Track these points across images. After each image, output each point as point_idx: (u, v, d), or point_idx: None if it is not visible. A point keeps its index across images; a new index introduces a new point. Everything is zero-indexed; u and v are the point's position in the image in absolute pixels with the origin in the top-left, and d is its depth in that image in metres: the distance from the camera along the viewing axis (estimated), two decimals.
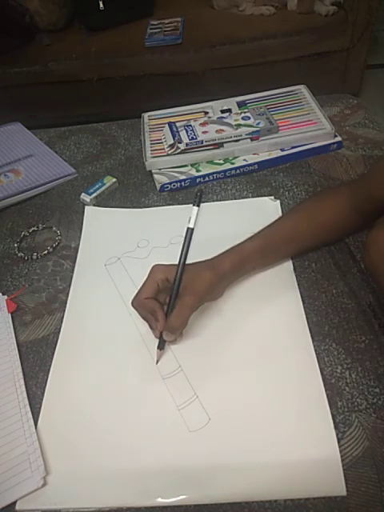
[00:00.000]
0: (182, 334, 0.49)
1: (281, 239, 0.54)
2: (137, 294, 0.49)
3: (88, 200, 0.68)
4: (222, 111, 0.77)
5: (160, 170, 0.71)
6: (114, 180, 0.71)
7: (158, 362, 0.48)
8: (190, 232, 0.47)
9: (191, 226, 0.46)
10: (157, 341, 0.48)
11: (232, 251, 0.51)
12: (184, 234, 0.48)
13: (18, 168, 0.76)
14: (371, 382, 0.45)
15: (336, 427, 0.42)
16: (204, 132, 0.72)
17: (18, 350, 0.50)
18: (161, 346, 0.48)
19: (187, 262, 0.48)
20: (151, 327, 0.49)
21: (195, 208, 0.47)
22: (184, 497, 0.39)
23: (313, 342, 0.48)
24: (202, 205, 0.66)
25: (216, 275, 0.48)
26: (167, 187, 0.70)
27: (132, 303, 0.49)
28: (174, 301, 0.47)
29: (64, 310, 0.54)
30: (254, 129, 0.72)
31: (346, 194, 0.55)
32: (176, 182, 0.69)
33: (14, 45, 1.75)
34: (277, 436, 0.42)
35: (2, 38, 1.70)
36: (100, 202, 0.70)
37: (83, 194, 0.69)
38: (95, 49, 1.73)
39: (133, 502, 0.39)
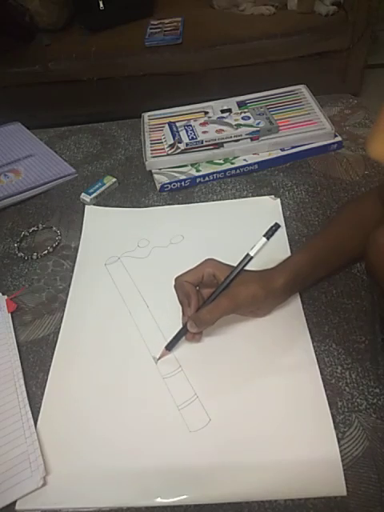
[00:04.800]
0: (201, 334, 0.49)
1: (328, 249, 0.52)
2: (181, 274, 0.48)
3: (88, 200, 0.68)
4: (222, 111, 0.77)
5: (160, 169, 0.71)
6: (114, 180, 0.71)
7: (159, 359, 0.48)
8: (248, 259, 0.45)
9: (252, 254, 0.45)
10: (157, 342, 0.48)
11: (284, 268, 0.49)
12: (242, 258, 0.46)
13: (18, 168, 0.76)
14: (371, 382, 0.45)
15: (336, 427, 0.42)
16: (204, 132, 0.72)
17: (18, 350, 0.50)
18: (170, 347, 0.48)
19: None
20: (183, 313, 0.48)
21: (263, 239, 0.45)
22: (184, 497, 0.39)
23: (313, 342, 0.48)
24: (201, 204, 0.67)
25: (263, 290, 0.46)
26: (167, 187, 0.70)
27: (175, 279, 0.48)
28: (213, 299, 0.46)
29: (64, 310, 0.54)
30: (254, 129, 0.72)
31: (377, 193, 0.54)
32: (176, 181, 0.69)
33: (14, 45, 1.76)
34: (277, 436, 0.42)
35: (2, 38, 1.70)
36: (100, 201, 0.70)
37: (83, 193, 0.69)
38: (95, 49, 1.73)
39: (133, 501, 0.39)
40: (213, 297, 0.46)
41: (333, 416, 0.42)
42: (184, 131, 0.72)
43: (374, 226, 0.51)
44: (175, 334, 0.48)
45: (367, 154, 0.27)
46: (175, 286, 0.48)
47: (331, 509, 0.37)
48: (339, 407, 0.43)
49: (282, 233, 0.60)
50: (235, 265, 0.46)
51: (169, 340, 0.48)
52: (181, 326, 0.48)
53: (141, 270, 0.58)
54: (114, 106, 1.82)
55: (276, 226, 0.45)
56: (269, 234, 0.45)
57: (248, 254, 0.45)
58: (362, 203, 0.56)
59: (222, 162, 0.72)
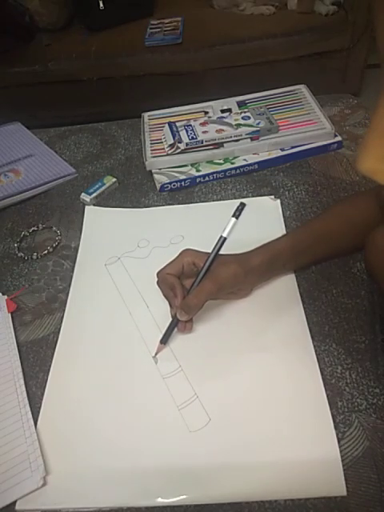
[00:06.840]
0: (192, 322, 0.49)
1: (311, 237, 0.53)
2: (162, 268, 0.50)
3: (88, 200, 0.68)
4: (222, 111, 0.77)
5: (160, 169, 0.71)
6: (114, 180, 0.71)
7: (156, 354, 0.48)
8: (222, 240, 0.48)
9: (225, 235, 0.48)
10: (157, 343, 0.48)
11: (262, 248, 0.51)
12: (216, 241, 0.48)
13: (18, 168, 0.76)
14: (371, 382, 0.45)
15: (336, 427, 0.42)
16: (204, 132, 0.72)
17: (18, 350, 0.50)
18: (164, 340, 0.48)
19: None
20: (170, 305, 0.49)
21: (233, 219, 0.48)
22: (184, 497, 0.39)
23: (313, 342, 0.48)
24: (201, 204, 0.67)
25: (241, 269, 0.48)
26: (167, 187, 0.70)
27: (157, 275, 0.50)
28: (196, 285, 0.47)
29: (64, 310, 0.54)
30: (254, 128, 0.72)
31: (374, 194, 0.54)
32: (176, 181, 0.69)
33: (14, 45, 1.76)
34: (277, 436, 0.42)
35: (2, 38, 1.70)
36: (100, 201, 0.70)
37: (83, 193, 0.69)
38: (95, 49, 1.73)
39: (133, 501, 0.39)
40: (196, 281, 0.47)
41: (333, 416, 0.42)
42: (184, 131, 0.72)
43: (365, 226, 0.52)
44: (167, 326, 0.48)
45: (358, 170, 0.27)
46: (158, 282, 0.50)
47: (331, 509, 0.37)
48: (339, 407, 0.43)
49: (281, 233, 0.60)
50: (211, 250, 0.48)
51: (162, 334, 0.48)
52: (175, 321, 0.48)
53: (141, 270, 0.58)
54: (114, 105, 1.82)
55: (242, 206, 0.48)
56: (236, 214, 0.48)
57: (221, 236, 0.48)
58: (355, 201, 0.57)
59: (221, 161, 0.72)
